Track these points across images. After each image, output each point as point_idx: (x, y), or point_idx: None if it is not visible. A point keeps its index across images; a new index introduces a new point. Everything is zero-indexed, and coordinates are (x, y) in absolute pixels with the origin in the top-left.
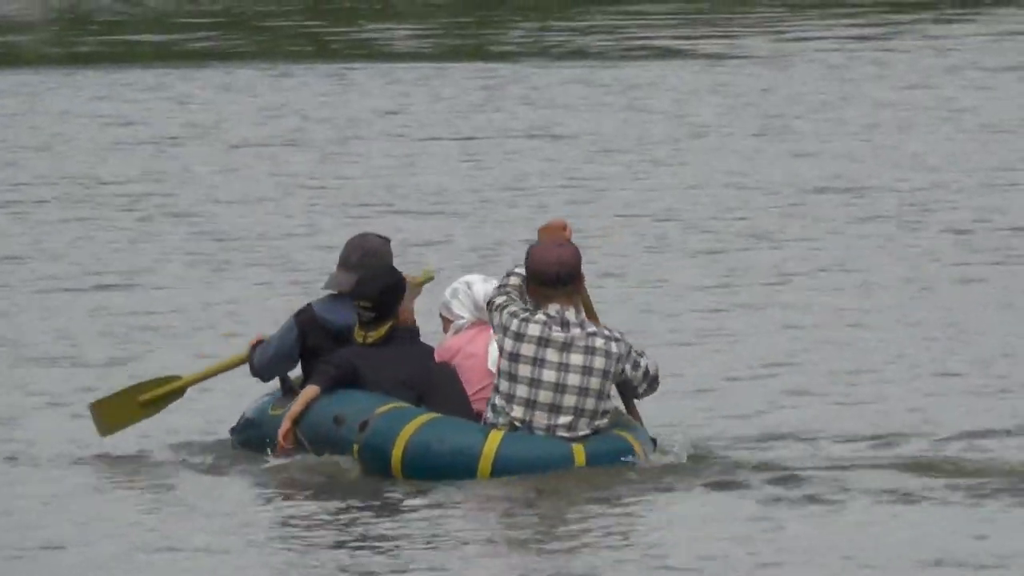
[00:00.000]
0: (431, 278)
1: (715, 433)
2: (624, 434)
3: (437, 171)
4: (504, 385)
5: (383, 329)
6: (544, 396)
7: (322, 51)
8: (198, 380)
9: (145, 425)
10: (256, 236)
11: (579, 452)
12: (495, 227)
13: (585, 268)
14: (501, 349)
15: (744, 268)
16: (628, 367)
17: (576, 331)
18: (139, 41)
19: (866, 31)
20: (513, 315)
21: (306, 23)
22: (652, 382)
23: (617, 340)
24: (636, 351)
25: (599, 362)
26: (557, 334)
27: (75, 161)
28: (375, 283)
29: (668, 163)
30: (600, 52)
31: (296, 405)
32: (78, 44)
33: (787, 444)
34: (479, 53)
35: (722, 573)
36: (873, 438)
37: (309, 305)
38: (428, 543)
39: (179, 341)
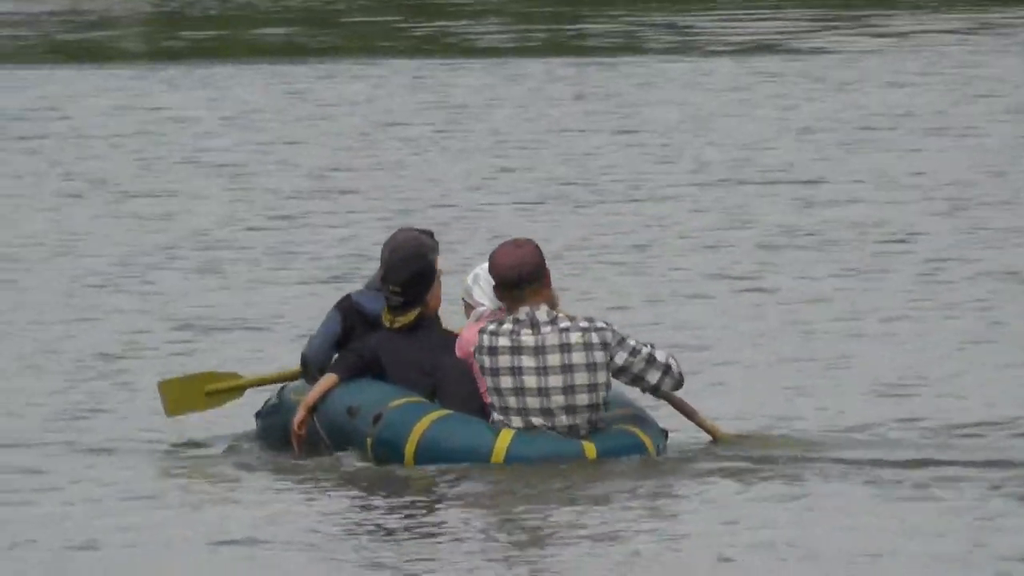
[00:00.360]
0: None
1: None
2: (634, 429)
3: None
4: (495, 400)
5: (411, 315)
6: (532, 402)
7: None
8: (258, 384)
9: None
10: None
11: (590, 449)
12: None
13: None
14: (482, 368)
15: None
16: (622, 354)
17: (547, 330)
18: (240, 37)
19: None
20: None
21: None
22: (666, 371)
23: (599, 329)
24: (637, 340)
25: (578, 357)
26: (527, 338)
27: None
28: (404, 269)
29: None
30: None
31: (312, 393)
32: (176, 40)
33: (806, 432)
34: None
35: (740, 567)
36: (899, 420)
37: (347, 295)
38: (439, 535)
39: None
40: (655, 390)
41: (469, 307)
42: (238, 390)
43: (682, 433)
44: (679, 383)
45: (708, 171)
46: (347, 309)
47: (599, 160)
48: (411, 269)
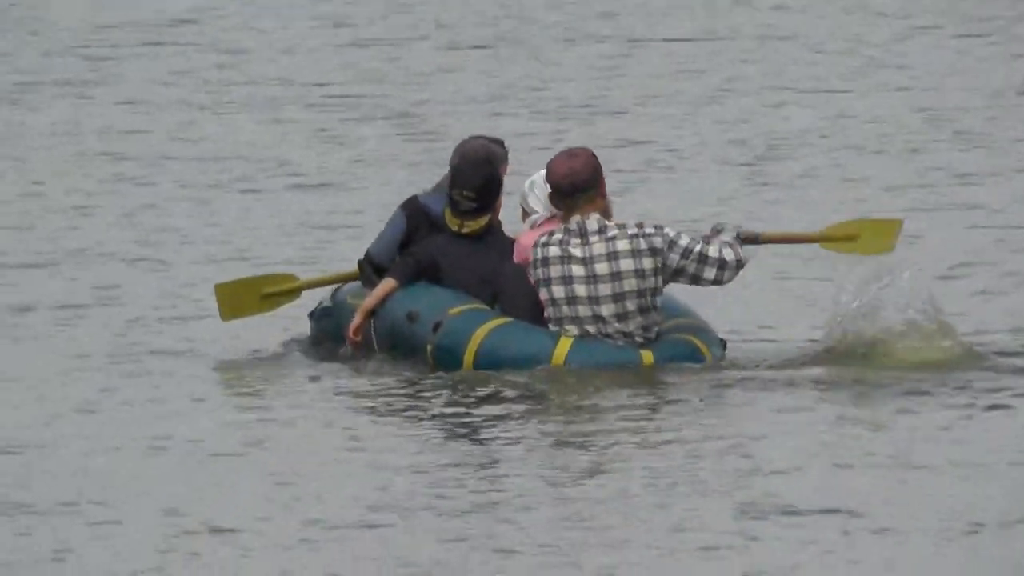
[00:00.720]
0: None
1: (791, 339)
2: (692, 338)
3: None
4: (549, 310)
5: (482, 221)
6: (584, 311)
7: None
8: (313, 285)
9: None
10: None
11: (647, 356)
12: None
13: None
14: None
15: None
16: (674, 256)
17: (595, 240)
18: None
19: None
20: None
21: None
22: (722, 265)
23: (647, 235)
24: (691, 238)
25: (625, 264)
26: (576, 249)
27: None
28: (477, 173)
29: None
30: None
31: (371, 298)
32: None
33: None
34: None
35: (796, 478)
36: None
37: (414, 196)
38: (496, 443)
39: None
40: (717, 283)
41: (526, 214)
42: (294, 292)
43: (740, 345)
44: (738, 269)
45: None
46: (413, 210)
47: None
48: (483, 174)
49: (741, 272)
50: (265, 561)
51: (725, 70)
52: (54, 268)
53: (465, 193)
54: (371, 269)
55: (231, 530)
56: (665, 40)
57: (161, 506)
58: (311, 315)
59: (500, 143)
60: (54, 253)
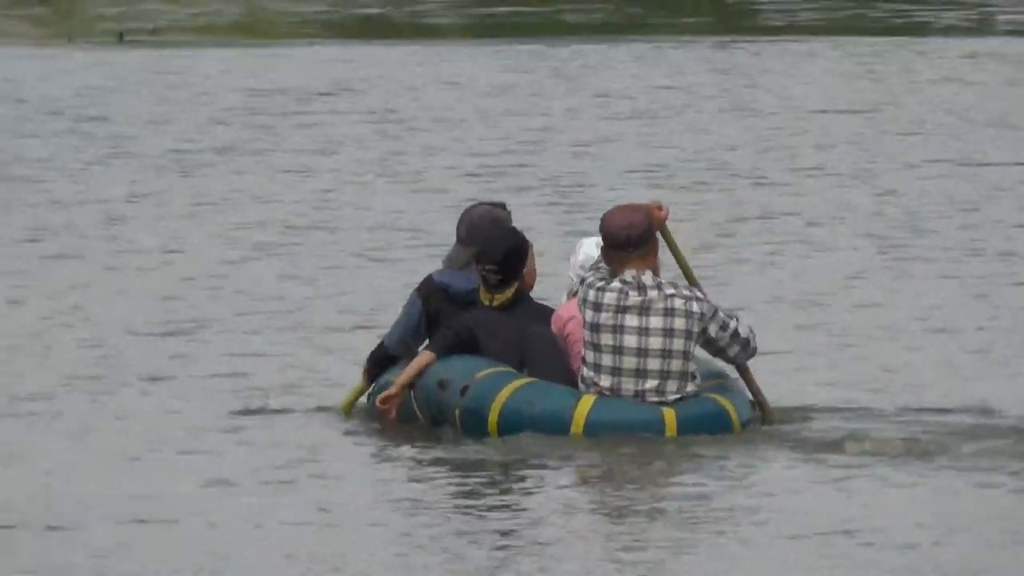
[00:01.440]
0: None
1: (817, 400)
2: (718, 398)
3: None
4: (590, 356)
5: (509, 292)
6: (628, 362)
7: None
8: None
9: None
10: None
11: (670, 416)
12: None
13: None
14: (584, 322)
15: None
16: (714, 327)
17: (653, 293)
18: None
19: None
20: (590, 286)
21: None
22: (744, 345)
23: (699, 300)
24: (726, 312)
25: (679, 323)
26: (634, 298)
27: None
28: (499, 246)
29: None
30: None
31: (408, 371)
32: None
33: (889, 414)
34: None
35: (823, 548)
36: (981, 411)
37: (429, 276)
38: (523, 514)
39: None
40: (733, 361)
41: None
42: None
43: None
44: (752, 355)
45: None
46: (430, 291)
47: None
48: (505, 245)
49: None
50: None
51: (882, 143)
52: (191, 335)
53: (488, 267)
54: (382, 358)
55: None
56: (821, 111)
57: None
58: (369, 395)
59: (502, 206)
60: (191, 321)
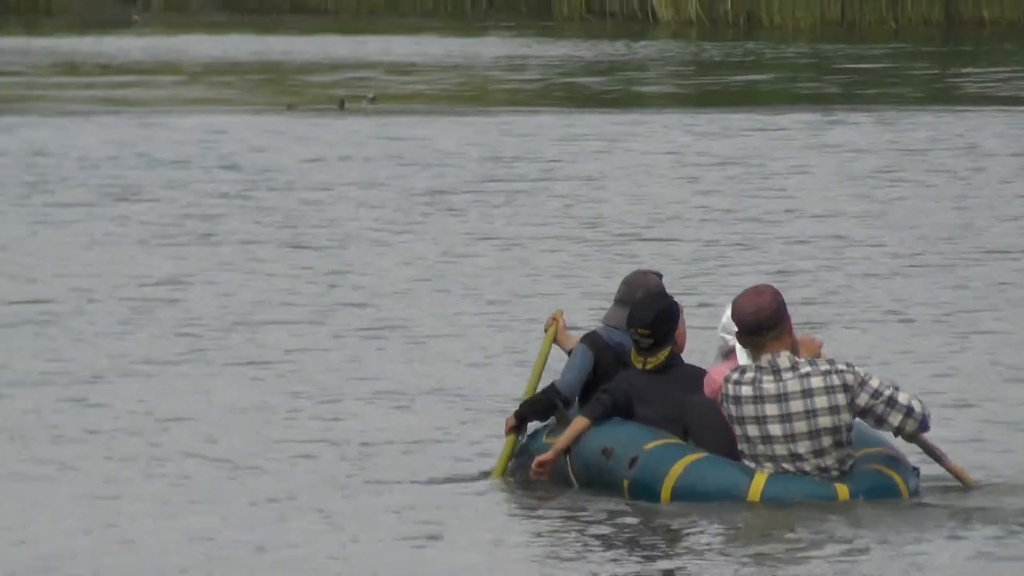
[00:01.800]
0: None
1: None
2: (886, 470)
3: None
4: (744, 447)
5: (662, 355)
6: (780, 449)
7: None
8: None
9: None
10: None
11: (842, 491)
12: None
13: None
14: (728, 417)
15: None
16: (864, 396)
17: (788, 376)
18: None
19: None
20: (727, 380)
21: None
22: (908, 413)
23: (840, 371)
24: (881, 381)
25: (820, 401)
26: (769, 386)
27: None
28: (649, 310)
29: None
30: None
31: (564, 437)
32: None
33: None
34: None
35: None
36: None
37: (595, 332)
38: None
39: None
40: (898, 432)
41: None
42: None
43: (936, 469)
44: (923, 426)
45: None
46: (600, 347)
47: None
48: (656, 309)
49: (924, 432)
50: None
51: None
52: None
53: (640, 331)
54: (549, 404)
55: None
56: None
57: None
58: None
59: (657, 274)
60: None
